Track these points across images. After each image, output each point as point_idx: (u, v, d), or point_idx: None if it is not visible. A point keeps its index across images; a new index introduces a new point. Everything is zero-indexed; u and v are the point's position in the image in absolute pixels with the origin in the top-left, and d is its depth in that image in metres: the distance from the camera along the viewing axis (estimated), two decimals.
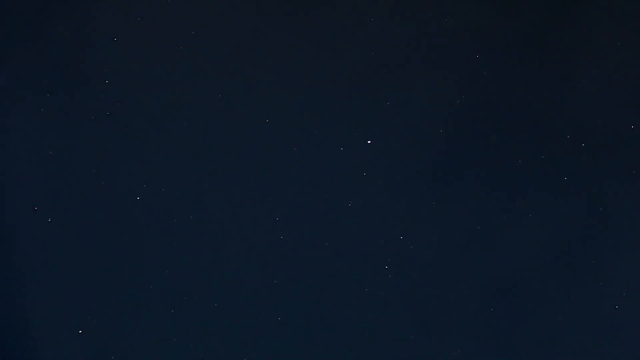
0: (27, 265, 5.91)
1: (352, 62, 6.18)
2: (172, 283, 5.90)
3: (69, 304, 5.89)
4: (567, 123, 6.15)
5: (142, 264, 5.93)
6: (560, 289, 5.99)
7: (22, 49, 6.12)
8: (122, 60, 6.14)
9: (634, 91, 6.19)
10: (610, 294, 5.96)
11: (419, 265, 5.97)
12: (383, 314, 5.93)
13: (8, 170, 6.00)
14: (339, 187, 6.04)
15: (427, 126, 6.12)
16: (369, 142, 5.99)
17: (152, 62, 6.16)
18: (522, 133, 6.14)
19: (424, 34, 6.22)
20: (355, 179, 6.05)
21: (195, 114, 6.11)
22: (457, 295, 5.95)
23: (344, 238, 5.99)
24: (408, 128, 6.11)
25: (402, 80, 6.16)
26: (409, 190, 6.04)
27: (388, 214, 6.01)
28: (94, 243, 5.94)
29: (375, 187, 6.03)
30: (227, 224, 5.99)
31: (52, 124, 6.05)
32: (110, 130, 6.06)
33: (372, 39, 6.24)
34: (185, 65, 6.16)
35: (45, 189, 5.98)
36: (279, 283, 5.92)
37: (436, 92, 6.17)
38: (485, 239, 6.02)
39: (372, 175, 6.05)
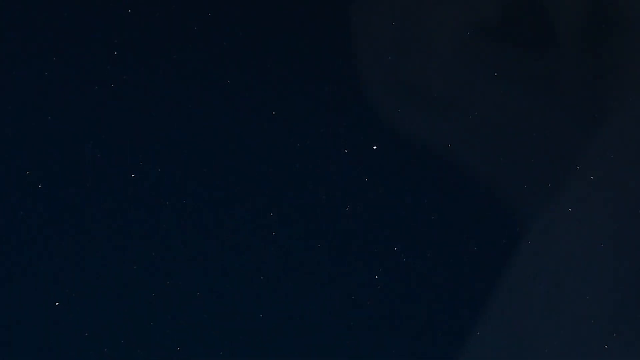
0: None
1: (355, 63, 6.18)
2: (160, 275, 5.86)
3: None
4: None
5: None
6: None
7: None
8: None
9: None
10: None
11: (411, 276, 6.00)
12: (371, 322, 5.94)
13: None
14: (338, 190, 6.03)
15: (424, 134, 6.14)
16: (374, 147, 5.97)
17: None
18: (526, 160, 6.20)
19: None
20: (355, 183, 6.04)
21: (196, 109, 6.05)
22: (448, 307, 6.00)
23: (338, 242, 5.98)
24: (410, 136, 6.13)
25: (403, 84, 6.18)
26: (405, 200, 6.06)
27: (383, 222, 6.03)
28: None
29: (374, 194, 6.04)
30: (221, 218, 5.95)
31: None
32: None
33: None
34: (188, 60, 6.09)
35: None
36: (266, 280, 5.90)
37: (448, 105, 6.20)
38: (480, 249, 6.07)
39: (372, 181, 6.05)
